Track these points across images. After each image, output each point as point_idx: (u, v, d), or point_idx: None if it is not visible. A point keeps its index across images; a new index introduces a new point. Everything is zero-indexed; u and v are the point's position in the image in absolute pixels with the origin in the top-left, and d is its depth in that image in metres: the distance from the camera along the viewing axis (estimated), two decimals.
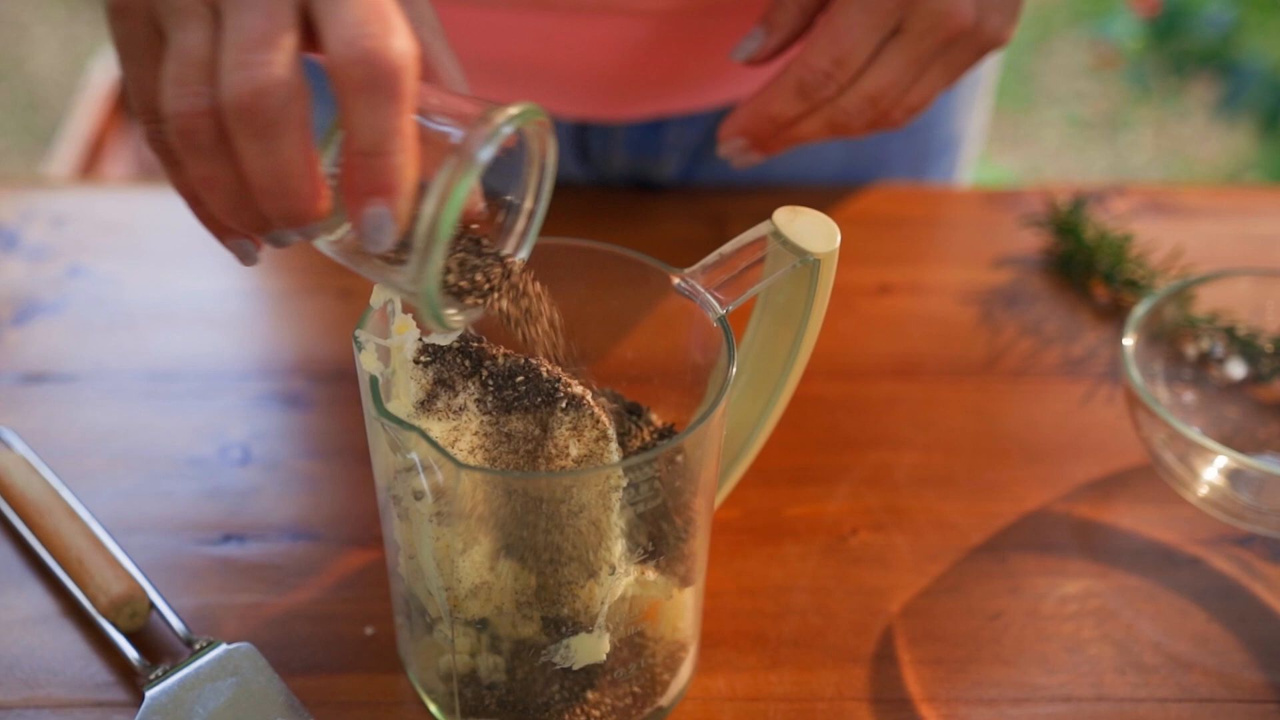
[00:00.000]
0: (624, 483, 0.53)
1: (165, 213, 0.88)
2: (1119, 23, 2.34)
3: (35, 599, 0.64)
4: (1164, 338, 0.73)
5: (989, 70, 0.97)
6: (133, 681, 0.61)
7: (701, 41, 0.80)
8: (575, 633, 0.55)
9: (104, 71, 1.98)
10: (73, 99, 2.25)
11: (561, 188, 0.88)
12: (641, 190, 0.90)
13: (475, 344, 0.55)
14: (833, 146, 0.90)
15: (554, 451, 0.54)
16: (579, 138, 0.88)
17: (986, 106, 1.00)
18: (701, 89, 0.84)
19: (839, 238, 0.57)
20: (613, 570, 0.54)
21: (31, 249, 0.84)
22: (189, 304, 0.81)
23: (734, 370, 0.55)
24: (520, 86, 0.83)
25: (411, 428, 0.50)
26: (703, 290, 0.56)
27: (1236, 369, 0.75)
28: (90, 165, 1.80)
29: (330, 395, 0.75)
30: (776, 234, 0.57)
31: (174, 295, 0.82)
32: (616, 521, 0.54)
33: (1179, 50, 2.23)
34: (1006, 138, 2.47)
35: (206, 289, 0.82)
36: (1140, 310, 0.72)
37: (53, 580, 0.65)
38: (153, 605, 0.63)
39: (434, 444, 0.50)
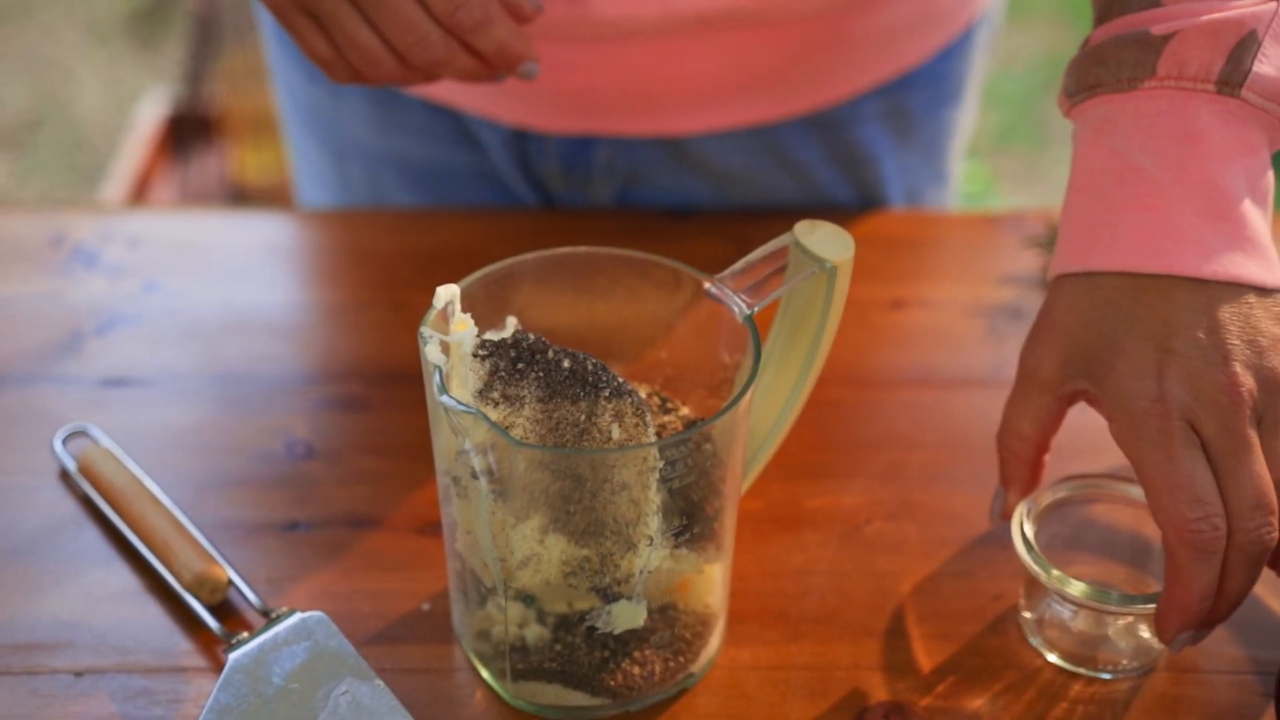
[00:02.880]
0: (660, 463, 0.58)
1: (231, 233, 0.95)
2: None
3: (124, 576, 0.71)
4: None
5: (965, 125, 1.03)
6: (212, 650, 0.67)
7: (633, 70, 0.86)
8: (616, 599, 0.61)
9: (150, 110, 2.06)
10: (117, 139, 2.33)
11: (521, 210, 0.96)
12: (669, 215, 0.96)
13: (528, 339, 0.61)
14: (830, 176, 0.96)
15: (598, 436, 0.59)
16: (517, 142, 0.94)
17: (960, 156, 1.06)
18: (629, 115, 0.90)
19: (853, 247, 0.62)
20: (650, 542, 0.60)
21: (110, 267, 0.91)
22: (255, 315, 0.87)
23: (759, 364, 0.61)
24: (462, 87, 0.89)
25: (472, 411, 0.56)
26: (731, 293, 0.62)
27: None
28: (138, 200, 1.88)
29: (385, 398, 0.81)
30: (797, 244, 0.62)
31: (241, 308, 0.88)
32: (653, 499, 0.59)
33: None
34: (1020, 176, 2.53)
35: (271, 302, 0.89)
36: None
37: (139, 560, 0.71)
38: (230, 581, 0.69)
39: (493, 424, 0.56)
